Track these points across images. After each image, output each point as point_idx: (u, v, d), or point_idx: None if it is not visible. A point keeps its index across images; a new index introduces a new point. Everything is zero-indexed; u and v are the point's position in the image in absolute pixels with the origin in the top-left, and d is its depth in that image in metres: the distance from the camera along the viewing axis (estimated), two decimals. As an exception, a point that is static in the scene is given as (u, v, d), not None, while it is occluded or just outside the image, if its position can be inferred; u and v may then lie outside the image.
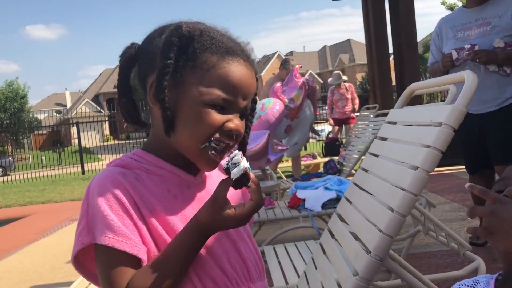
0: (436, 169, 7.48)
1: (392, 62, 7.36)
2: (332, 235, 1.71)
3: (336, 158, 5.48)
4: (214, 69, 0.86)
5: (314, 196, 3.47)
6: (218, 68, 0.86)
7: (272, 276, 2.15)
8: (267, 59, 50.09)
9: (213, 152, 0.88)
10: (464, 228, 3.62)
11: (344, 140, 7.25)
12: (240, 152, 0.88)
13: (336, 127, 8.31)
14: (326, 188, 3.59)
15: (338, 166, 4.87)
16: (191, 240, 0.85)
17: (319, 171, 6.29)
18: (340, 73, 8.71)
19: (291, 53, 52.67)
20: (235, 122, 0.88)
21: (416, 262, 2.98)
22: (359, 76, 40.90)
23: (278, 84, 4.67)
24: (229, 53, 0.87)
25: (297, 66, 5.03)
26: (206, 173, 1.00)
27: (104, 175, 0.89)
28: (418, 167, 1.20)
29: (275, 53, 49.09)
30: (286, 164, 7.99)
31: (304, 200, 3.48)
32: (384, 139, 1.70)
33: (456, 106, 1.19)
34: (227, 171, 0.88)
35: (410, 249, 2.95)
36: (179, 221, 0.89)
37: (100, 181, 0.88)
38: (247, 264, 0.96)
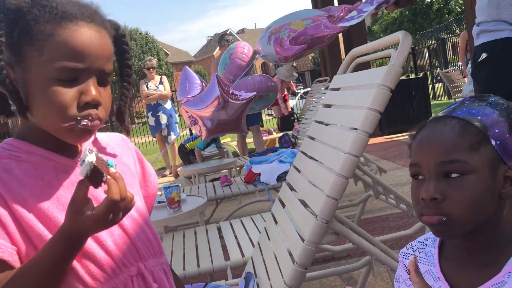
0: (387, 137, 7.62)
1: (341, 35, 7.43)
2: (283, 204, 1.72)
3: (290, 132, 5.53)
4: (51, 38, 0.79)
5: (269, 169, 3.49)
6: (56, 36, 0.79)
7: (228, 250, 2.16)
8: (218, 37, 49.56)
9: (83, 123, 0.81)
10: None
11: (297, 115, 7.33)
12: (90, 147, 0.78)
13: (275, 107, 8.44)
14: (281, 161, 3.63)
15: (292, 139, 4.91)
16: (58, 247, 0.78)
17: (275, 146, 6.33)
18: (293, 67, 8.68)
19: (242, 30, 52.24)
20: (89, 94, 0.81)
21: (370, 226, 3.08)
22: (311, 51, 41.11)
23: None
24: (65, 17, 0.80)
25: None
26: None
27: None
28: (357, 129, 1.21)
29: (227, 30, 48.50)
30: (248, 140, 7.99)
31: (259, 174, 3.51)
32: (328, 106, 1.72)
33: (392, 66, 1.21)
34: None
35: (363, 214, 3.03)
36: (56, 208, 0.84)
37: None
38: (136, 243, 0.92)
